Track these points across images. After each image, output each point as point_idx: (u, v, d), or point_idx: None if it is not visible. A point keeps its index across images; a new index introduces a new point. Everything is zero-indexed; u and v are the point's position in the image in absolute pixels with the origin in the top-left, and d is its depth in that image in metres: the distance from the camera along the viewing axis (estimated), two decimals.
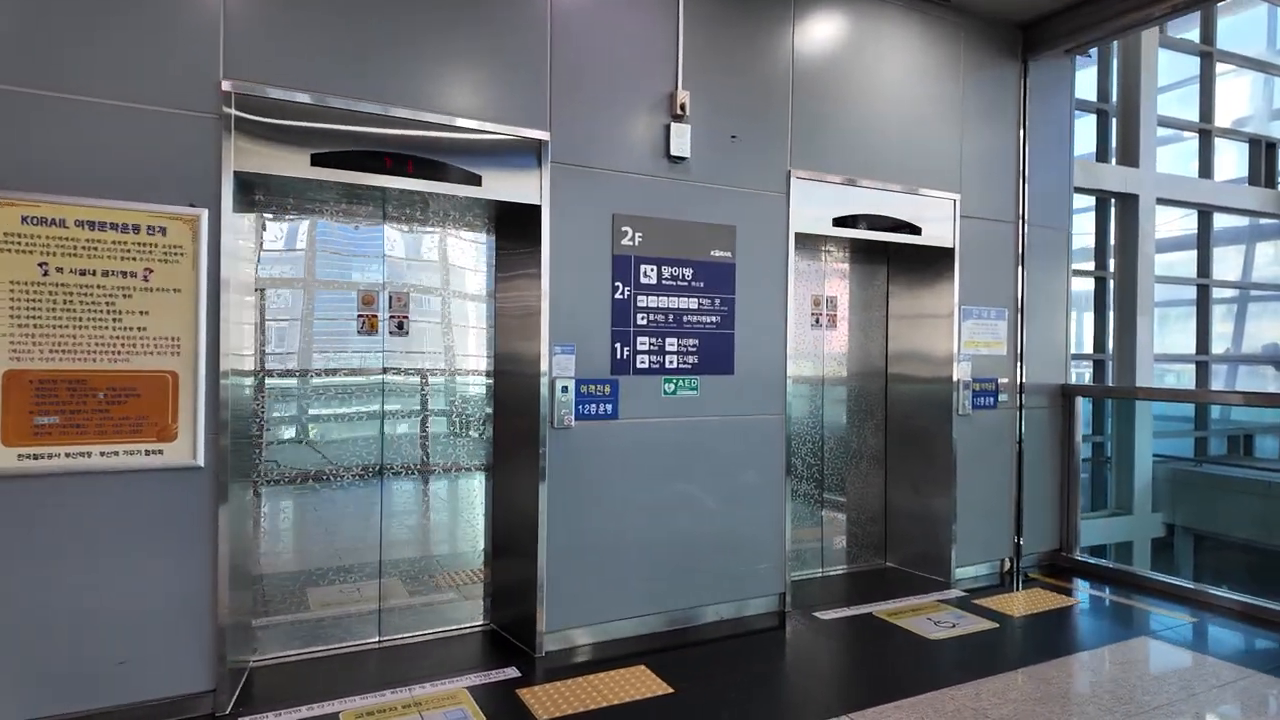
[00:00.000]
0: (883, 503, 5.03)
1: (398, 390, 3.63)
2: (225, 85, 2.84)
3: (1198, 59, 7.96)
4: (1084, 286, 7.42)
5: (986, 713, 2.93)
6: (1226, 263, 9.22)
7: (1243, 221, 8.83)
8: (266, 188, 3.26)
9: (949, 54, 4.61)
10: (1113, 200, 7.06)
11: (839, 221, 4.25)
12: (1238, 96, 9.66)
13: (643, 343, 3.69)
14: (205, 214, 2.81)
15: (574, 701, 2.99)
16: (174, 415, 2.78)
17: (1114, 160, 7.09)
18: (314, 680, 3.15)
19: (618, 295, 3.63)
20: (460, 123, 3.24)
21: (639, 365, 3.68)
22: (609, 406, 3.61)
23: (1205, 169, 7.93)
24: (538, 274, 3.45)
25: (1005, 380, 4.87)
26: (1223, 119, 8.29)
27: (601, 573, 3.59)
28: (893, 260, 5.02)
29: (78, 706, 2.65)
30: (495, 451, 3.80)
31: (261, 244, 3.33)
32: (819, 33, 4.15)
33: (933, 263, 4.73)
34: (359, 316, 3.53)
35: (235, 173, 2.87)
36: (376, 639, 3.57)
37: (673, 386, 3.77)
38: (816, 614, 4.04)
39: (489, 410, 3.83)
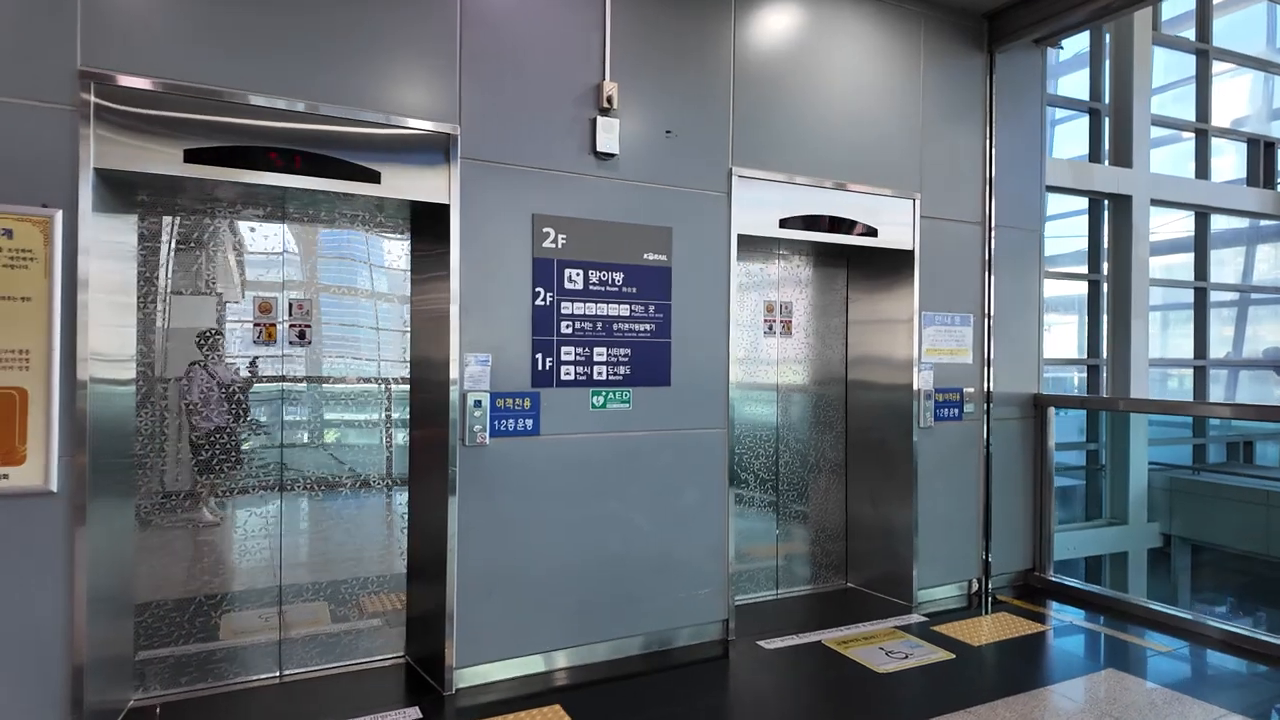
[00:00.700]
0: (844, 520, 4.76)
1: (299, 400, 3.37)
2: (83, 72, 2.59)
3: (1194, 57, 7.69)
4: (1078, 290, 7.16)
5: None
6: (1226, 265, 8.94)
7: (1242, 223, 8.55)
8: (152, 186, 3.01)
9: (908, 46, 4.35)
10: (1105, 202, 6.79)
11: (786, 223, 3.99)
12: (1236, 96, 9.39)
13: (568, 352, 3.43)
14: (60, 215, 2.56)
15: None
16: (22, 436, 2.53)
17: (1107, 161, 6.83)
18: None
19: (539, 301, 3.37)
20: (355, 115, 2.99)
21: (563, 376, 3.42)
22: (529, 422, 3.35)
23: (1202, 169, 7.66)
24: (448, 277, 3.19)
25: (972, 389, 4.59)
26: (1221, 118, 8.02)
27: (520, 602, 3.32)
28: (852, 264, 4.75)
29: None
30: (411, 468, 3.54)
31: (145, 246, 3.07)
32: (763, 21, 3.90)
33: (892, 266, 4.47)
34: (255, 325, 3.27)
35: (97, 170, 2.62)
36: (277, 674, 3.30)
37: (602, 399, 3.50)
38: (761, 643, 3.76)
39: (406, 421, 3.57)
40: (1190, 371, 7.85)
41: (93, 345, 2.63)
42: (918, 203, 4.37)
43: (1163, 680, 3.38)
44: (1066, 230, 7.63)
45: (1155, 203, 6.93)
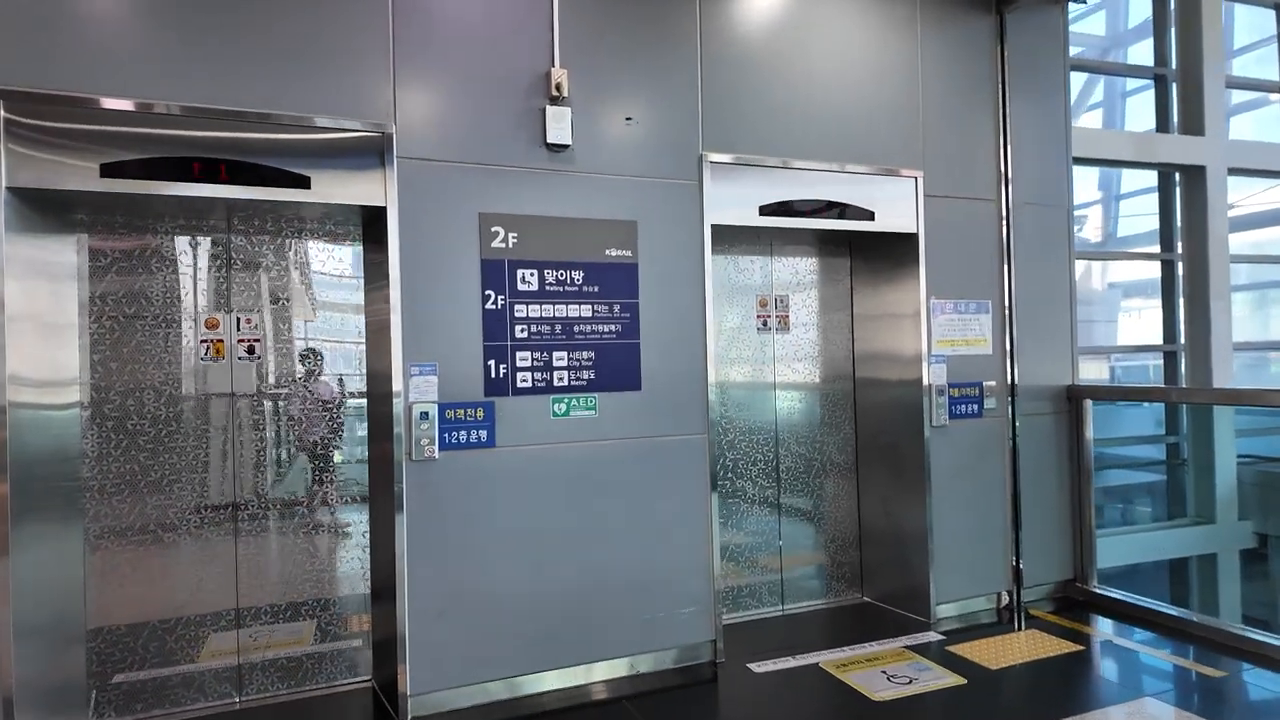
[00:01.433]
0: (857, 528, 4.40)
1: (249, 419, 3.27)
2: None
3: (1273, 13, 6.93)
4: (1152, 273, 6.54)
5: None
6: None
7: None
8: (85, 204, 2.96)
9: (902, 11, 3.99)
10: (1177, 174, 6.15)
11: (768, 210, 3.69)
12: None
13: (524, 358, 3.22)
14: None
15: None
16: None
17: (1176, 130, 6.19)
18: None
19: (489, 305, 3.18)
20: (278, 118, 2.87)
21: (520, 384, 3.22)
22: (484, 433, 3.16)
23: None
24: (388, 284, 3.04)
25: (993, 383, 4.18)
26: None
27: (480, 625, 3.13)
28: (855, 253, 4.41)
29: None
30: (370, 484, 3.40)
31: (87, 265, 3.02)
32: None
33: (895, 252, 4.11)
34: (203, 342, 3.19)
35: (10, 189, 2.56)
36: (238, 700, 3.20)
37: (564, 407, 3.29)
38: (752, 665, 3.46)
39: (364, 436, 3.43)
40: None
41: (13, 369, 2.57)
42: (920, 181, 3.99)
43: (1209, 713, 2.93)
44: (1142, 209, 7.00)
45: (1234, 172, 6.25)
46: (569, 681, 3.26)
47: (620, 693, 3.22)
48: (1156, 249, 6.22)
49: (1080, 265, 5.73)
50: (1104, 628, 3.88)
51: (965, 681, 3.24)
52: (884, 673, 3.35)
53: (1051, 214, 4.36)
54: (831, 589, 4.34)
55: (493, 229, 3.18)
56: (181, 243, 3.18)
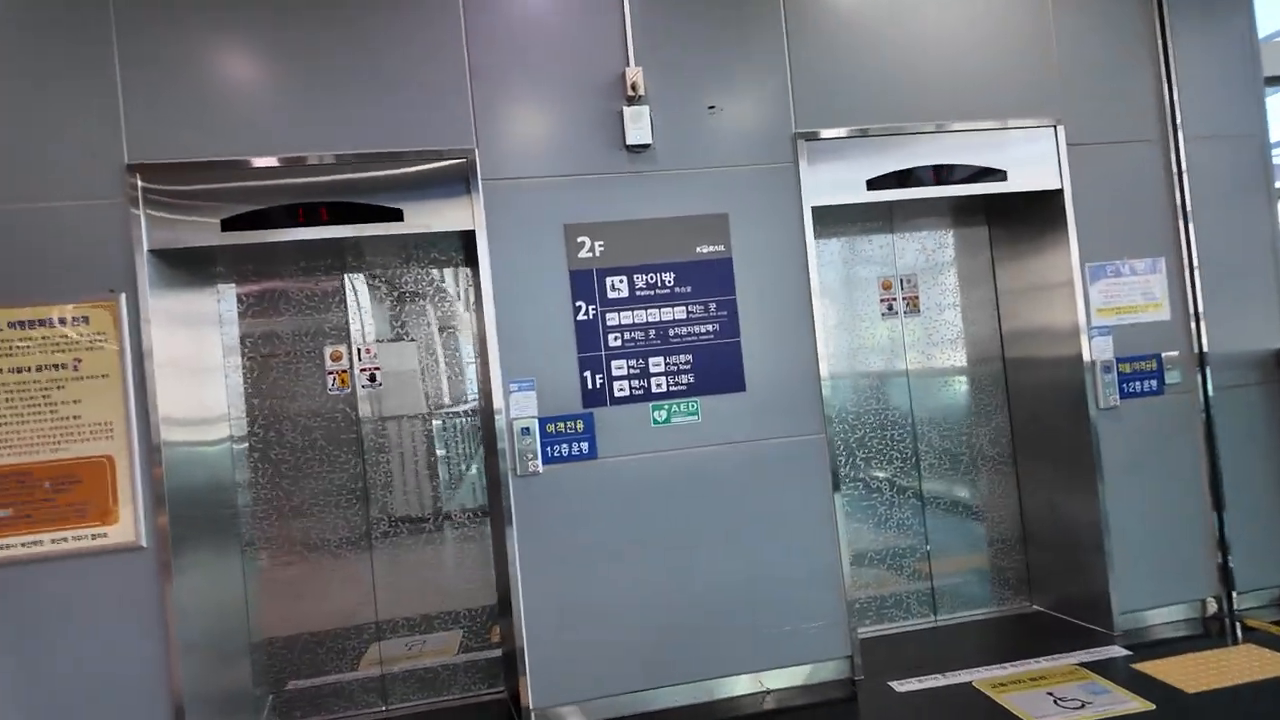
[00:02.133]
0: (1019, 527, 3.91)
1: (379, 441, 3.46)
2: (130, 166, 2.86)
3: None
4: None
5: None
6: None
7: None
8: (225, 256, 3.27)
9: None
10: None
11: (877, 183, 3.38)
12: None
13: (619, 366, 3.16)
14: (124, 297, 2.85)
15: None
16: (114, 498, 2.83)
17: None
18: None
19: (581, 316, 3.15)
20: (368, 157, 3.01)
21: (617, 393, 3.16)
22: (585, 445, 3.13)
23: None
24: (482, 304, 3.10)
25: (1175, 353, 3.56)
26: None
27: (594, 639, 3.09)
28: (994, 220, 3.94)
29: None
30: (489, 499, 3.48)
31: (222, 313, 3.35)
32: None
33: (1039, 214, 3.62)
34: (329, 374, 3.42)
35: (151, 251, 2.88)
36: (384, 708, 3.39)
37: (664, 414, 3.18)
38: (894, 684, 3.16)
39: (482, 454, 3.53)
40: None
41: (164, 412, 2.87)
42: (1061, 130, 3.49)
43: None
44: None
45: None
46: (692, 698, 3.14)
47: (746, 711, 3.06)
48: None
49: None
50: None
51: (1153, 708, 2.75)
52: (1050, 695, 2.92)
53: (1240, 146, 3.66)
54: (994, 597, 3.89)
55: (578, 239, 3.15)
56: (306, 284, 3.43)
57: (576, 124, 3.17)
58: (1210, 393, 3.55)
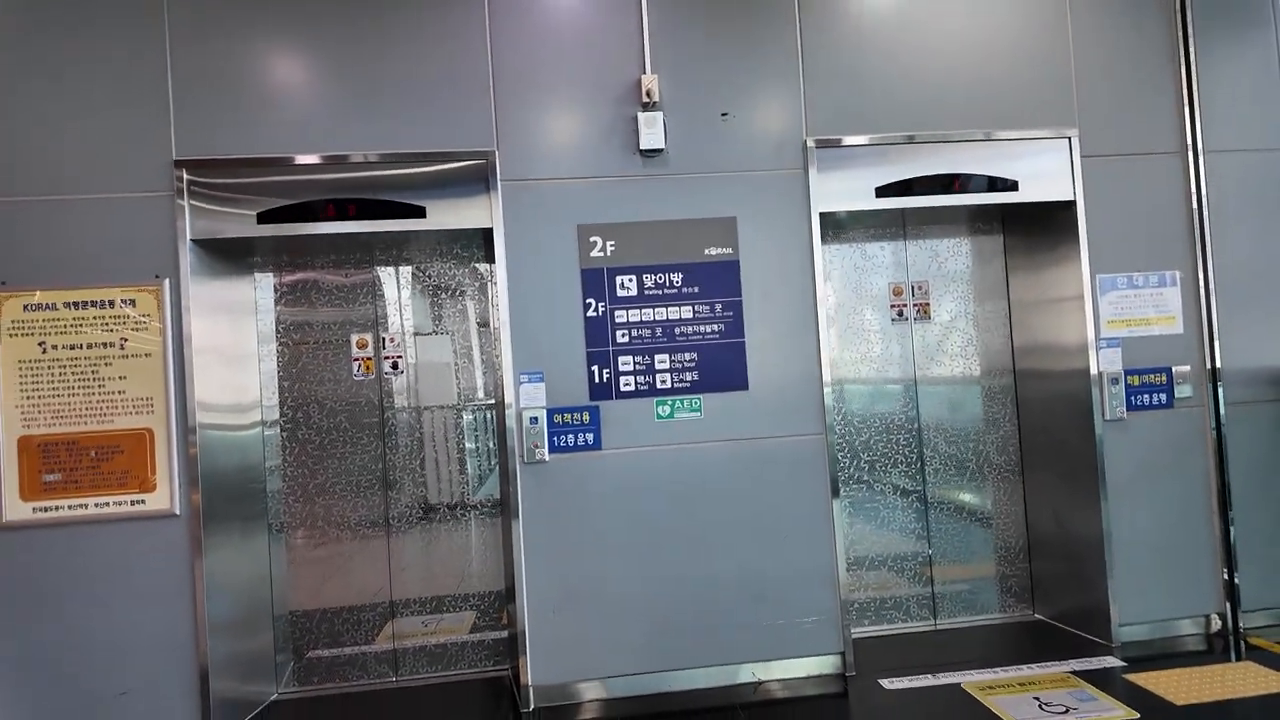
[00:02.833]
0: (1024, 537, 3.93)
1: (397, 427, 3.65)
2: (177, 161, 3.09)
3: None
4: None
5: None
6: None
7: None
8: (265, 248, 3.49)
9: None
10: None
11: (886, 191, 3.44)
12: None
13: (625, 362, 3.29)
14: (167, 282, 3.08)
15: None
16: (152, 468, 3.06)
17: None
18: (320, 718, 3.22)
19: (591, 313, 3.28)
20: (393, 155, 3.19)
21: (623, 388, 3.29)
22: (590, 436, 3.26)
23: None
24: (498, 298, 3.26)
25: (1186, 368, 3.54)
26: None
27: (593, 623, 3.23)
28: (1009, 229, 3.96)
29: None
30: (500, 486, 3.64)
31: (258, 301, 3.56)
32: None
33: (1052, 224, 3.64)
34: (354, 360, 3.62)
35: (193, 241, 3.11)
36: (395, 679, 3.58)
37: (668, 409, 3.30)
38: (884, 682, 3.23)
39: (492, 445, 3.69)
40: None
41: (200, 397, 3.09)
42: (1075, 141, 3.51)
43: None
44: None
45: None
46: (685, 685, 3.25)
47: (736, 699, 3.16)
48: None
49: None
50: None
51: (1137, 717, 2.78)
52: (1036, 699, 2.96)
53: (1263, 160, 3.62)
54: (997, 604, 3.91)
55: (591, 239, 3.28)
56: (337, 275, 3.63)
57: (592, 128, 3.31)
58: (1222, 408, 3.52)
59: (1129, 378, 3.51)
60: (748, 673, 3.28)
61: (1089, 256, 3.50)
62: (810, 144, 3.38)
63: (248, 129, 3.14)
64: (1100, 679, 3.12)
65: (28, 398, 3.02)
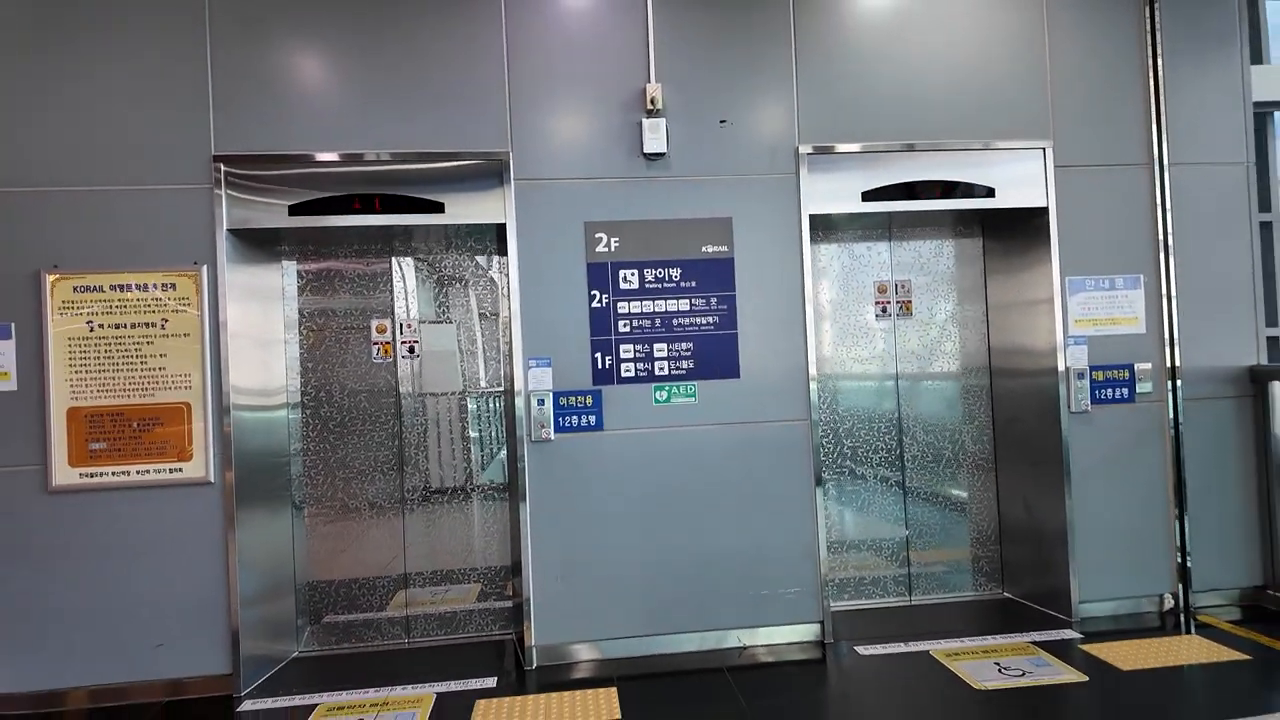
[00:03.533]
0: (996, 522, 4.20)
1: (415, 410, 3.91)
2: (216, 156, 3.34)
3: None
4: None
5: None
6: None
7: None
8: (294, 239, 3.74)
9: None
10: None
11: (871, 195, 3.70)
12: None
13: (626, 350, 3.55)
14: (205, 269, 3.34)
15: (513, 718, 2.96)
16: (190, 439, 3.32)
17: None
18: (336, 673, 3.49)
19: (595, 304, 3.55)
20: (415, 153, 3.44)
21: (624, 374, 3.55)
22: (592, 418, 3.53)
23: None
24: (509, 290, 3.52)
25: (1147, 365, 3.81)
26: None
27: (593, 591, 3.50)
28: (988, 232, 4.22)
29: (118, 679, 3.26)
30: (508, 463, 3.90)
31: (285, 289, 3.82)
32: None
33: (1027, 229, 3.90)
34: (374, 344, 3.88)
35: (230, 230, 3.36)
36: (406, 641, 3.85)
37: (665, 394, 3.57)
38: (860, 649, 3.51)
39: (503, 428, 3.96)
40: None
41: (234, 380, 3.35)
42: (1049, 152, 3.77)
43: None
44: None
45: None
46: (676, 648, 3.53)
47: (723, 663, 3.43)
48: None
49: None
50: None
51: (1086, 679, 3.06)
52: (997, 664, 3.24)
53: (1224, 173, 3.88)
54: (970, 584, 4.19)
55: (596, 235, 3.54)
56: (359, 265, 3.88)
57: (600, 132, 3.56)
58: (1180, 403, 3.79)
59: (1094, 374, 3.77)
60: (734, 638, 3.56)
61: (1060, 260, 3.76)
62: (802, 150, 3.63)
63: (281, 127, 3.40)
64: (1058, 648, 3.40)
65: (76, 372, 3.28)
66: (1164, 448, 3.81)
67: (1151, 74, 3.84)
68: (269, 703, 3.21)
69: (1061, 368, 3.74)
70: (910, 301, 4.21)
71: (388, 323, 3.89)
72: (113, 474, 3.28)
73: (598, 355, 3.54)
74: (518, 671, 3.42)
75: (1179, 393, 3.80)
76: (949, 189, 3.72)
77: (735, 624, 3.56)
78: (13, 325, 3.26)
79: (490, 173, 3.49)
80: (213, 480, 3.32)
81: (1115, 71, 3.83)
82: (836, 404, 4.15)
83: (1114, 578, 3.77)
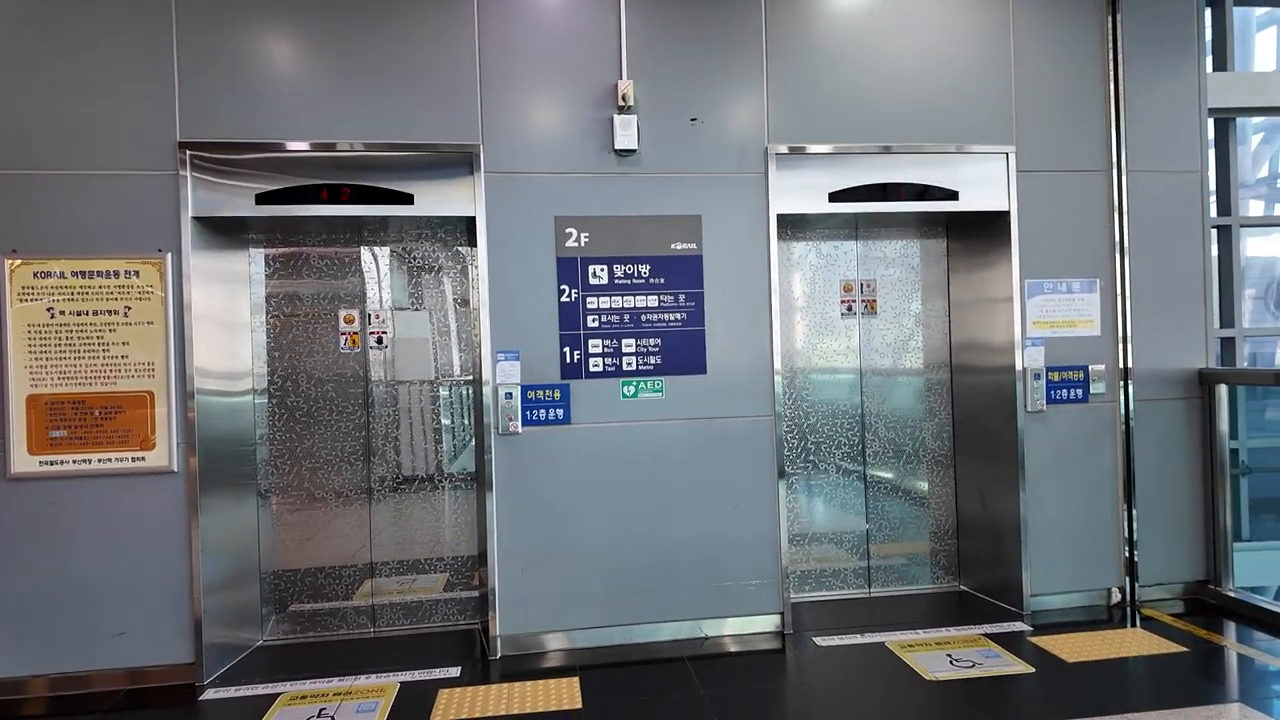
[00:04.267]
0: (954, 516, 4.31)
1: (384, 400, 3.92)
2: (181, 143, 3.31)
3: None
4: None
5: None
6: None
7: None
8: (261, 226, 3.71)
9: None
10: None
11: (838, 196, 3.76)
12: None
13: (595, 345, 3.59)
14: (169, 256, 3.31)
15: (475, 708, 3.00)
16: (152, 428, 3.30)
17: None
18: (300, 662, 3.50)
19: (564, 298, 3.57)
20: (385, 143, 3.43)
21: (592, 368, 3.59)
22: (560, 411, 3.56)
23: None
24: (479, 283, 3.53)
25: (1101, 366, 3.93)
26: None
27: (557, 581, 3.55)
28: (952, 234, 4.30)
29: (79, 668, 3.25)
30: (476, 456, 3.92)
31: (251, 274, 3.79)
32: None
33: (989, 232, 3.99)
34: (341, 334, 3.87)
35: (195, 218, 3.34)
36: (372, 630, 3.87)
37: (633, 389, 3.61)
38: (818, 639, 3.59)
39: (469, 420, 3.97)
40: None
41: (198, 364, 3.34)
42: (1011, 157, 3.85)
43: None
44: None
45: None
46: (638, 638, 3.59)
47: (684, 653, 3.50)
48: None
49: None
50: (1230, 634, 3.55)
51: (1032, 670, 3.17)
52: (949, 656, 3.34)
53: (1178, 180, 3.99)
54: (927, 576, 4.30)
55: (566, 230, 3.57)
56: (327, 253, 3.87)
57: (571, 127, 3.57)
58: (1132, 404, 3.92)
59: (1050, 374, 3.88)
60: (697, 629, 3.63)
61: (1019, 262, 3.86)
62: (771, 150, 3.68)
63: (248, 115, 3.37)
64: (1007, 640, 3.51)
65: (36, 359, 3.24)
66: (1115, 447, 3.94)
67: (1112, 82, 3.93)
68: (231, 691, 3.22)
69: (1019, 367, 3.84)
70: (875, 300, 4.29)
71: (355, 313, 3.88)
72: (74, 462, 3.26)
73: (566, 350, 3.57)
74: (482, 661, 3.46)
75: (1131, 394, 3.92)
76: (914, 191, 3.79)
77: (698, 614, 3.63)
78: None
79: (460, 164, 3.50)
80: (175, 470, 3.30)
81: (1077, 79, 3.92)
82: (801, 399, 4.22)
83: (1064, 572, 3.90)
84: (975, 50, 3.84)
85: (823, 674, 3.24)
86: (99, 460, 3.27)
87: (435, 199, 3.50)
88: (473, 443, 3.96)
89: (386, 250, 3.92)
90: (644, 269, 3.62)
